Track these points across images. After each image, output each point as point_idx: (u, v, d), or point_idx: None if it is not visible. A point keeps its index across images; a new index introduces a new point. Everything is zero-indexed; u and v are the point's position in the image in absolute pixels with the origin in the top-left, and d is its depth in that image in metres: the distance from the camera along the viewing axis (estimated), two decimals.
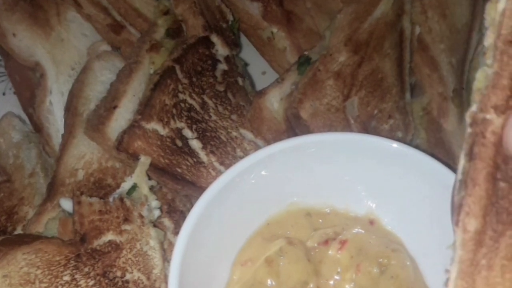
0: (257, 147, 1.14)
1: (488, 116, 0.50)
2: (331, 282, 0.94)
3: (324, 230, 1.00)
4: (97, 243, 0.96)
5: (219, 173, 1.07)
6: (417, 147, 1.07)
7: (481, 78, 0.52)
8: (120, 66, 1.19)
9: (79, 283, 0.93)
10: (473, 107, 0.52)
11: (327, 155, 0.99)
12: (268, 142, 1.14)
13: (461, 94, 1.14)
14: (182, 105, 1.12)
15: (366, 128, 1.12)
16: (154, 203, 1.04)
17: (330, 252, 0.96)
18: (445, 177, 0.89)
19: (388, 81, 1.14)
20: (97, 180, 1.10)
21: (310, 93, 1.12)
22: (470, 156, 0.52)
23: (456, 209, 0.52)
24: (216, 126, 1.14)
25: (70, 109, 1.16)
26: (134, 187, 1.03)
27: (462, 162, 0.53)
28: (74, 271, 0.94)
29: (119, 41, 1.28)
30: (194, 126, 1.11)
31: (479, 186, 0.51)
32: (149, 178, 1.06)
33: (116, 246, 0.96)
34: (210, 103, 1.15)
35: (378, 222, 1.02)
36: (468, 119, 0.52)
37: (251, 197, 0.98)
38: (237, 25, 1.32)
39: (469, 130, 0.52)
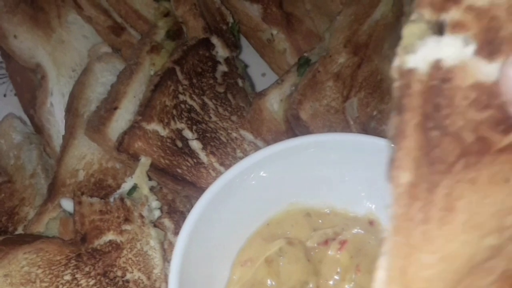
0: (257, 148, 1.14)
1: (413, 65, 0.48)
2: (331, 282, 0.94)
3: (323, 230, 1.00)
4: (98, 242, 0.96)
5: (219, 173, 1.08)
6: None
7: (408, 34, 0.50)
8: (121, 67, 1.20)
9: (79, 283, 0.93)
10: (396, 61, 0.49)
11: (327, 155, 0.99)
12: (268, 143, 1.14)
13: None
14: (183, 106, 1.12)
15: (365, 129, 1.12)
16: (155, 203, 1.04)
17: (330, 252, 0.96)
18: None
19: (388, 82, 1.15)
20: (98, 181, 1.11)
21: (310, 94, 1.12)
22: (399, 109, 0.49)
23: (389, 165, 0.50)
24: (216, 127, 1.14)
25: (71, 110, 1.17)
26: (134, 187, 1.03)
27: (392, 118, 0.50)
28: (74, 270, 0.94)
29: (120, 43, 1.28)
30: (194, 127, 1.12)
31: (409, 138, 0.48)
32: (150, 179, 1.07)
33: (116, 246, 0.96)
34: (210, 104, 1.16)
35: (377, 222, 1.02)
36: (394, 74, 0.50)
37: (251, 198, 0.99)
38: (237, 27, 1.33)
39: (396, 84, 0.49)
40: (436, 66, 0.47)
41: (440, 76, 0.47)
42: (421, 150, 0.48)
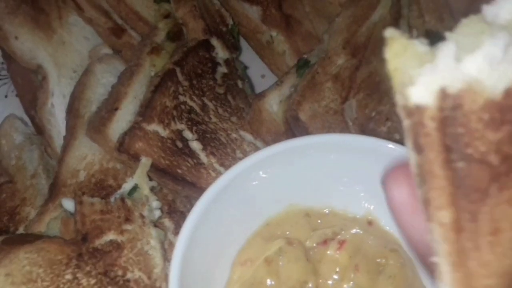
0: (257, 149, 1.15)
1: (419, 101, 0.46)
2: (330, 282, 0.95)
3: (323, 230, 1.00)
4: (99, 242, 0.96)
5: (219, 174, 1.08)
6: None
7: (393, 55, 0.47)
8: (121, 69, 1.20)
9: (80, 282, 0.94)
10: (399, 100, 0.47)
11: (326, 156, 0.99)
12: (268, 144, 1.15)
13: None
14: (183, 107, 1.13)
15: (364, 130, 1.12)
16: (155, 203, 1.04)
17: (329, 252, 0.96)
18: None
19: (386, 84, 1.15)
20: (99, 181, 1.11)
21: (309, 95, 1.13)
22: (418, 149, 0.48)
23: (424, 204, 0.50)
24: (216, 128, 1.15)
25: (72, 111, 1.17)
26: (135, 187, 1.04)
27: (412, 156, 0.50)
28: (75, 270, 0.94)
29: (120, 44, 1.29)
30: (195, 128, 1.12)
31: (438, 176, 0.48)
32: (150, 179, 1.07)
33: (117, 246, 0.97)
34: (210, 105, 1.16)
35: (376, 222, 1.02)
36: (400, 113, 0.48)
37: (251, 198, 0.99)
38: (236, 28, 1.33)
39: (407, 122, 0.48)
40: (443, 95, 0.46)
41: (450, 104, 0.46)
42: (453, 185, 0.48)
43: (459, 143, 0.47)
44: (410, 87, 0.46)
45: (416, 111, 0.47)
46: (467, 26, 0.47)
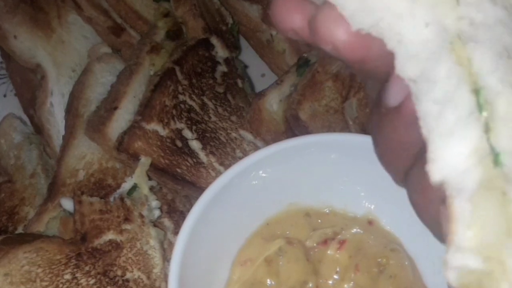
0: (257, 148, 1.14)
1: None
2: (330, 282, 0.95)
3: (323, 230, 1.00)
4: (98, 242, 0.96)
5: (218, 173, 1.08)
6: None
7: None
8: (121, 68, 1.20)
9: (79, 282, 0.93)
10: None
11: (326, 155, 0.99)
12: (267, 143, 1.14)
13: None
14: (182, 106, 1.12)
15: (364, 129, 1.12)
16: (154, 203, 1.04)
17: (329, 252, 0.96)
18: None
19: None
20: (98, 181, 1.11)
21: (309, 94, 1.13)
22: None
23: None
24: (216, 127, 1.14)
25: (71, 111, 1.17)
26: (134, 187, 1.04)
27: None
28: (75, 269, 0.94)
29: (120, 43, 1.28)
30: (194, 127, 1.12)
31: None
32: (149, 179, 1.07)
33: (116, 245, 0.97)
34: (209, 104, 1.16)
35: (377, 222, 1.02)
36: None
37: (251, 198, 0.99)
38: (236, 27, 1.33)
39: None
40: None
41: None
42: None
43: None
44: None
45: None
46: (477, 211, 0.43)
